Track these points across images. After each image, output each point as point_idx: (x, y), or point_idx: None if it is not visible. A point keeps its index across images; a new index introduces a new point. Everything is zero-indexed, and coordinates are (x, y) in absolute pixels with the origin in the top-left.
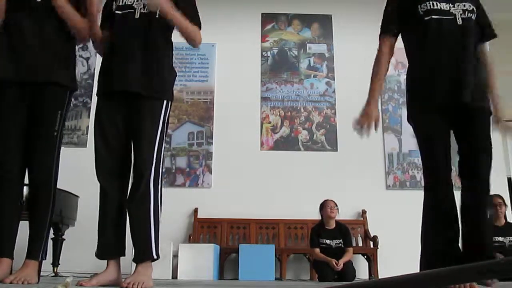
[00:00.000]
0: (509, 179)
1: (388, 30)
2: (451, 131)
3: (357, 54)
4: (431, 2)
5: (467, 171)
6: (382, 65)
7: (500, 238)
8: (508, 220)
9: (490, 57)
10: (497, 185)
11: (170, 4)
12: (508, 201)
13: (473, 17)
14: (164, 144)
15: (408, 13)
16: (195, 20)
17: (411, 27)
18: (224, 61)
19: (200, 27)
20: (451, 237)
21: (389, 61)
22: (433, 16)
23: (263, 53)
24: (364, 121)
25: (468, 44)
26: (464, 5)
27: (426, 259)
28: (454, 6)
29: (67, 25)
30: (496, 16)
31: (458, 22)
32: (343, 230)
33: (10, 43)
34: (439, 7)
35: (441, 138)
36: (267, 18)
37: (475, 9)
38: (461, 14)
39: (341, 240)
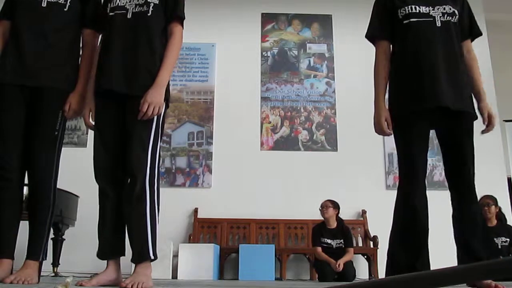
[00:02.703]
0: (509, 179)
1: (379, 34)
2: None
3: (357, 54)
4: (410, 6)
5: (453, 174)
6: (381, 71)
7: None
8: (501, 220)
9: (474, 55)
10: (497, 185)
11: (158, 101)
12: (508, 201)
13: (454, 20)
14: (159, 145)
15: (390, 18)
16: (175, 14)
17: (393, 31)
18: (224, 61)
19: (180, 20)
20: (418, 243)
21: (388, 64)
22: (412, 19)
23: (263, 53)
24: (378, 126)
25: (447, 46)
26: (444, 8)
27: (391, 262)
28: (433, 9)
29: (70, 30)
30: (495, 17)
31: (437, 25)
32: (344, 230)
33: (13, 47)
34: (418, 10)
35: (420, 143)
36: (267, 18)
37: (456, 12)
38: (440, 17)
39: (342, 240)
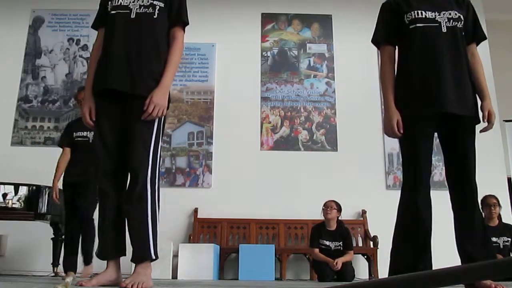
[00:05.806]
0: (509, 179)
1: (383, 40)
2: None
3: (357, 54)
4: (416, 11)
5: (454, 176)
6: (387, 74)
7: (494, 239)
8: (502, 220)
9: (479, 59)
10: (497, 185)
11: (161, 103)
12: (508, 201)
13: (459, 25)
14: (160, 144)
15: (396, 23)
16: (180, 19)
17: (399, 37)
18: (224, 61)
19: (183, 25)
20: (421, 244)
21: (394, 67)
22: (418, 25)
23: (263, 53)
24: (389, 128)
25: (453, 52)
26: (450, 13)
27: (394, 262)
28: (439, 14)
29: None
30: (495, 17)
31: (443, 30)
32: (344, 232)
33: None
34: (424, 16)
35: (425, 145)
36: (267, 18)
37: (462, 17)
38: (446, 22)
39: (340, 243)
